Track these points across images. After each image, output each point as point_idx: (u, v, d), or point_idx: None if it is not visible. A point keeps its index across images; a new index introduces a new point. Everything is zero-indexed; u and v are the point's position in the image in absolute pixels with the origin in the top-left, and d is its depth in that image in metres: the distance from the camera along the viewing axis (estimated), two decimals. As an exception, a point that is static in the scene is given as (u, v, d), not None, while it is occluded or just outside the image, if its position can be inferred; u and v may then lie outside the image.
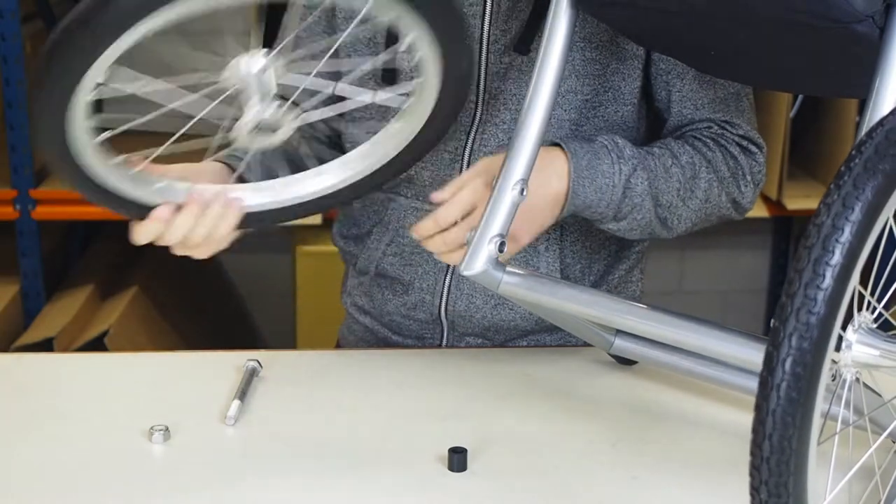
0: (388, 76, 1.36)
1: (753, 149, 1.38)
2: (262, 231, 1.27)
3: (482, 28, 1.34)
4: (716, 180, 1.35)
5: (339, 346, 1.65)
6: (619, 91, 1.36)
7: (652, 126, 1.43)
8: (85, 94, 1.01)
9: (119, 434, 1.23)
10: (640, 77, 1.36)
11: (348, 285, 1.59)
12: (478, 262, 1.19)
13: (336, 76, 1.23)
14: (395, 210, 1.45)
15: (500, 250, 1.19)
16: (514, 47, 1.34)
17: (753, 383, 0.88)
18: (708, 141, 1.36)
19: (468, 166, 1.39)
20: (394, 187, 1.44)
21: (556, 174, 1.26)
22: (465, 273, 1.19)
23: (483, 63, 1.35)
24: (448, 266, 1.44)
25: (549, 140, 1.30)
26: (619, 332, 1.33)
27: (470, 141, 1.39)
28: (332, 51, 1.15)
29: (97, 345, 2.39)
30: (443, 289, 1.45)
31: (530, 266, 1.42)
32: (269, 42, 1.10)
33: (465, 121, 1.38)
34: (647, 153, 1.31)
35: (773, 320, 0.83)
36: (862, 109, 1.03)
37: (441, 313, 1.47)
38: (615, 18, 1.24)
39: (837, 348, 0.93)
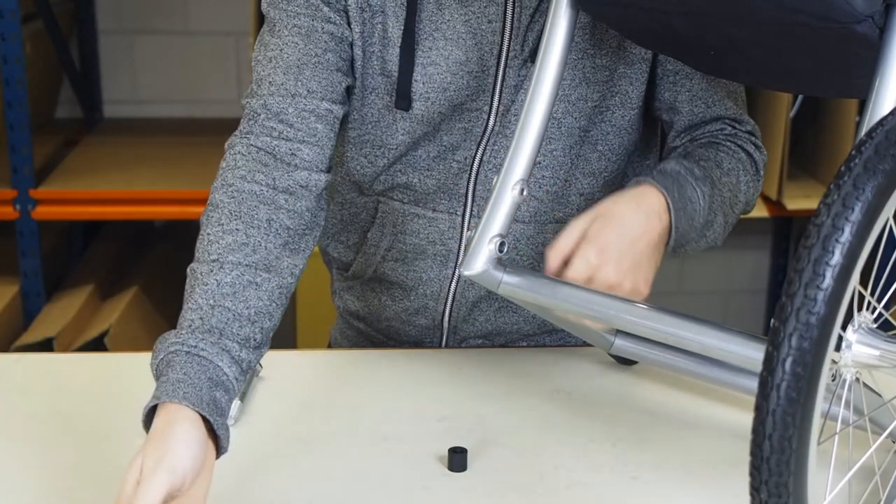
0: None
1: (760, 143, 1.39)
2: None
3: (501, 43, 1.32)
4: (751, 181, 1.35)
5: (330, 348, 1.63)
6: (627, 95, 1.36)
7: (645, 129, 1.42)
8: None
9: (119, 434, 1.23)
10: (647, 80, 1.36)
11: (336, 287, 1.57)
12: (478, 263, 1.19)
13: None
14: (391, 214, 1.42)
15: (500, 250, 1.19)
16: (530, 58, 1.33)
17: (753, 383, 0.88)
18: (729, 144, 1.35)
19: (476, 176, 1.37)
20: (385, 192, 1.41)
21: (656, 215, 1.21)
22: (465, 273, 1.19)
23: (500, 77, 1.34)
24: (453, 271, 1.42)
25: (635, 180, 1.25)
26: (619, 332, 1.33)
27: (480, 151, 1.37)
28: None
29: (97, 345, 2.39)
30: (447, 295, 1.45)
31: (537, 268, 1.42)
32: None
33: (476, 131, 1.36)
34: (703, 167, 1.29)
35: (773, 320, 0.83)
36: (862, 109, 1.03)
37: (444, 319, 1.46)
38: (615, 18, 1.24)
39: (837, 348, 0.93)
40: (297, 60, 1.26)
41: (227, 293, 1.13)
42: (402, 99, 1.32)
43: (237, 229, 1.17)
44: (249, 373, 1.15)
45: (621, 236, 1.18)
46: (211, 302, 1.12)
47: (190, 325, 1.11)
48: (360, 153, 1.38)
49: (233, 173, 1.22)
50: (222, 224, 1.18)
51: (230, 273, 1.15)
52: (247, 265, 1.16)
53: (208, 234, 1.18)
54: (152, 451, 1.01)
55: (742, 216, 1.42)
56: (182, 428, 1.02)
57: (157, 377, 1.08)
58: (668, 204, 1.22)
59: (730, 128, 1.37)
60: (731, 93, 1.37)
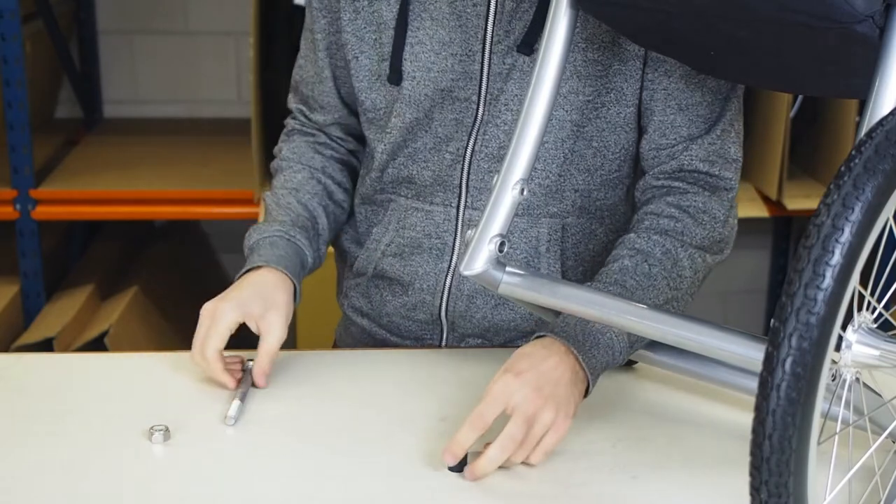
0: None
1: (724, 174, 1.36)
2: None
3: (485, 28, 1.34)
4: (695, 249, 1.33)
5: (335, 347, 1.65)
6: (622, 92, 1.36)
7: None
8: None
9: (119, 434, 1.23)
10: (641, 77, 1.36)
11: (345, 286, 1.58)
12: (478, 262, 1.19)
13: None
14: (395, 211, 1.46)
15: (500, 250, 1.19)
16: (517, 48, 1.34)
17: (753, 383, 0.88)
18: (673, 211, 1.34)
19: (469, 166, 1.40)
20: (395, 188, 1.45)
21: (561, 353, 1.21)
22: (465, 273, 1.19)
23: (486, 64, 1.35)
24: (449, 266, 1.44)
25: (536, 335, 1.25)
26: (619, 333, 1.33)
27: (471, 142, 1.39)
28: None
29: (97, 345, 2.39)
30: (443, 289, 1.45)
31: (532, 268, 1.42)
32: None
33: (466, 121, 1.38)
34: (623, 275, 1.28)
35: (773, 320, 0.83)
36: (862, 109, 1.03)
37: (441, 314, 1.46)
38: (615, 18, 1.24)
39: (837, 348, 0.93)
40: (310, 77, 1.50)
41: (303, 214, 1.46)
42: (394, 73, 1.38)
43: (302, 170, 1.50)
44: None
45: (534, 366, 1.18)
46: (298, 211, 1.46)
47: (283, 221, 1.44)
48: (373, 136, 1.45)
49: (288, 147, 1.54)
50: (291, 168, 1.51)
51: (305, 196, 1.48)
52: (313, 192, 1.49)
53: (282, 175, 1.51)
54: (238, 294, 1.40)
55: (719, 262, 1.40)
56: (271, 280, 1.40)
57: (254, 251, 1.41)
58: (567, 346, 1.21)
59: (681, 176, 1.35)
60: (716, 100, 1.35)
